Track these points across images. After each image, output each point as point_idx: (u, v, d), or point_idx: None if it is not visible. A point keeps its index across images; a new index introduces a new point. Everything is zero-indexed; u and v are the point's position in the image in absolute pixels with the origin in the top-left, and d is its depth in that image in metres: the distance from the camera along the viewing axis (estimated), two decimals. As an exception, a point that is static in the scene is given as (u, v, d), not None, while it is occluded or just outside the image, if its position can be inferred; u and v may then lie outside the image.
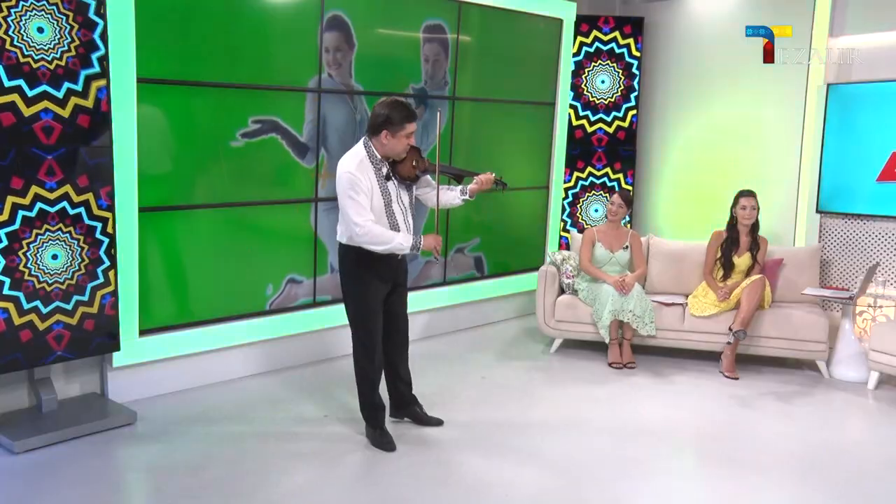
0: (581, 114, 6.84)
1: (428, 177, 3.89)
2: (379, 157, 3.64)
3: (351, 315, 3.83)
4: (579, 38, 6.72)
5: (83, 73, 3.79)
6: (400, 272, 3.90)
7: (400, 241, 3.61)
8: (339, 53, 4.98)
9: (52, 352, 3.86)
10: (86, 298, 3.95)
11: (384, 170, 3.65)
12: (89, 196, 3.89)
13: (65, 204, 3.81)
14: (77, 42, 3.77)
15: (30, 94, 3.63)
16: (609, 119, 6.81)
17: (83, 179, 3.86)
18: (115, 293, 4.06)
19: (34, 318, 3.78)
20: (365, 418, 3.92)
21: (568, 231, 6.87)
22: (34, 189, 3.70)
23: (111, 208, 3.99)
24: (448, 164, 3.90)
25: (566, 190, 6.89)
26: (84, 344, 3.97)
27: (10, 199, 3.65)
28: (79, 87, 3.79)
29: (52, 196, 3.77)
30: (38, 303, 3.79)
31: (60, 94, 3.73)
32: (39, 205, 3.73)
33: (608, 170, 6.90)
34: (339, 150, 4.92)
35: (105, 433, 3.90)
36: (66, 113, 3.75)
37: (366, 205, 3.56)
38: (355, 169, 3.57)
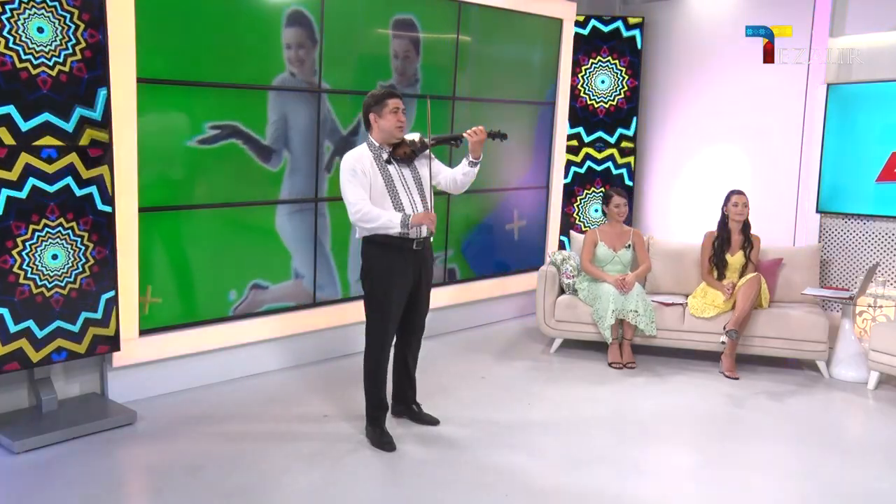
0: (572, 130, 6.62)
1: (437, 162, 3.91)
2: (377, 144, 3.75)
3: (367, 310, 3.83)
4: (591, 61, 6.47)
5: (101, 93, 3.38)
6: (421, 267, 3.84)
7: (388, 219, 3.62)
8: (301, 50, 4.80)
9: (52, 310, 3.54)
10: (98, 316, 3.67)
11: (384, 155, 3.74)
12: (104, 170, 3.39)
13: (69, 180, 3.35)
14: (83, 45, 3.50)
15: (24, 127, 3.19)
16: (613, 139, 6.55)
17: (95, 150, 3.40)
18: (98, 283, 3.78)
19: (25, 346, 3.45)
20: (367, 416, 3.92)
21: (562, 242, 6.76)
22: (24, 158, 3.19)
23: (90, 229, 3.65)
24: (439, 134, 3.92)
25: (580, 199, 6.72)
26: (79, 323, 3.69)
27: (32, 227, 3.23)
28: (96, 115, 3.31)
29: (50, 170, 3.31)
30: (30, 322, 3.43)
31: (70, 126, 3.31)
32: (33, 181, 3.25)
33: (613, 151, 6.62)
34: (301, 152, 4.86)
35: (105, 433, 3.90)
36: (82, 168, 3.28)
37: (361, 185, 3.64)
38: (351, 156, 3.72)
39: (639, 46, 6.57)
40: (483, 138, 3.77)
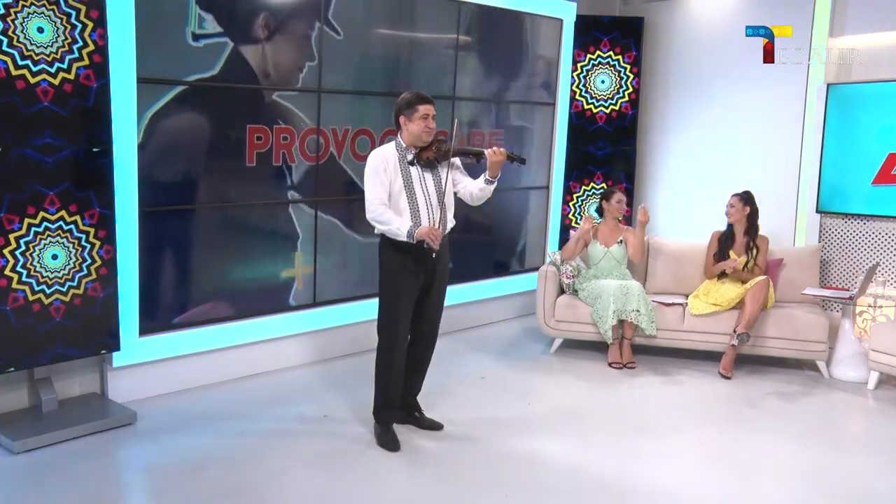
0: (589, 102, 6.69)
1: (461, 173, 3.96)
2: (405, 144, 3.81)
3: (380, 306, 3.85)
4: (588, 56, 6.64)
5: (67, 58, 3.76)
6: (435, 269, 3.84)
7: (398, 226, 3.67)
8: None
9: (52, 319, 3.81)
10: (75, 283, 3.90)
11: (409, 156, 3.81)
12: (77, 218, 3.86)
13: (61, 223, 3.81)
14: (91, 47, 3.75)
15: (34, 68, 3.61)
16: (606, 104, 6.68)
17: (73, 207, 3.83)
18: (104, 287, 4.02)
19: (41, 297, 3.76)
20: (376, 415, 3.93)
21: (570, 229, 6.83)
22: (41, 214, 3.72)
23: (96, 224, 3.95)
24: (464, 146, 4.02)
25: (577, 197, 6.85)
26: (79, 323, 3.94)
27: (27, 221, 3.67)
28: (64, 66, 3.73)
29: (53, 217, 3.76)
30: (43, 286, 3.77)
31: (53, 70, 3.68)
32: (45, 224, 3.75)
33: (604, 186, 6.84)
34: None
35: (105, 433, 3.90)
36: (56, 81, 3.70)
37: (380, 184, 3.72)
38: (378, 154, 3.79)
39: (619, 65, 6.64)
40: (501, 160, 3.80)
